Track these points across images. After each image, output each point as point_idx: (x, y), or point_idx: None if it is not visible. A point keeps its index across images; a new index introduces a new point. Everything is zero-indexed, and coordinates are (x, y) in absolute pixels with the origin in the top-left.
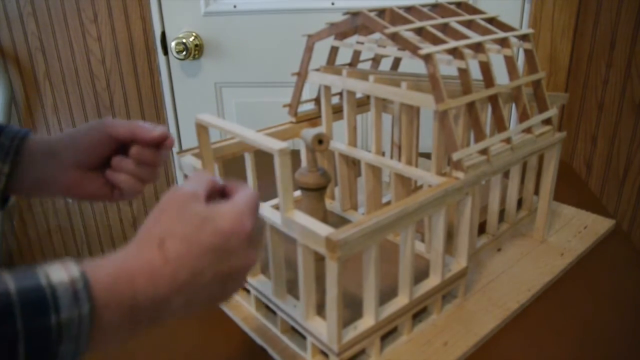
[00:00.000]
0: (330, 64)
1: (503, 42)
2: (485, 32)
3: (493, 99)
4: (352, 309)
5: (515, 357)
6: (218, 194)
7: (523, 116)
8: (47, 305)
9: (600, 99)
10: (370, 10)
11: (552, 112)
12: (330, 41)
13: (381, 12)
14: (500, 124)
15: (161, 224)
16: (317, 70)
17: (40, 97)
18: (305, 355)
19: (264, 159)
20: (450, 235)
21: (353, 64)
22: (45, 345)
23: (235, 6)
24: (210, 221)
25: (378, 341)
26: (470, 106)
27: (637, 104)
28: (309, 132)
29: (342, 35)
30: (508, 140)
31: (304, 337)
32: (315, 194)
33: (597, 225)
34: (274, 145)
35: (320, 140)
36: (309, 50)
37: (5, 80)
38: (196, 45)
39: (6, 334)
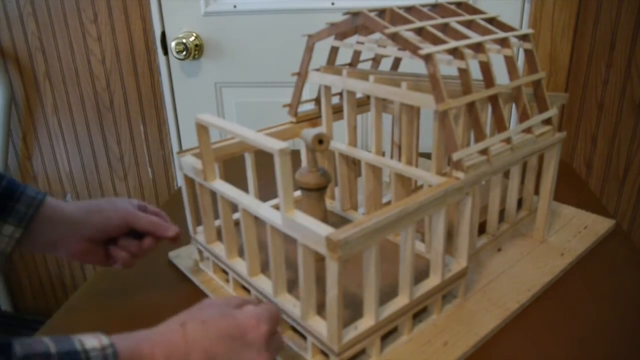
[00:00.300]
0: (331, 64)
1: (503, 42)
2: (485, 32)
3: (493, 99)
4: (352, 308)
5: (516, 357)
6: None
7: (523, 116)
8: None
9: (600, 99)
10: (371, 11)
11: (552, 112)
12: (331, 41)
13: (381, 12)
14: (500, 124)
15: (190, 313)
16: (318, 70)
17: (40, 97)
18: (305, 355)
19: (264, 159)
20: (450, 235)
21: (353, 64)
22: None
23: (235, 6)
24: (231, 315)
25: (378, 341)
26: (471, 106)
27: (637, 104)
28: (309, 132)
29: (342, 36)
30: (508, 140)
31: (304, 337)
32: (315, 194)
33: (597, 225)
34: (274, 145)
35: (320, 140)
36: (309, 50)
37: (5, 80)
38: (196, 45)
39: None
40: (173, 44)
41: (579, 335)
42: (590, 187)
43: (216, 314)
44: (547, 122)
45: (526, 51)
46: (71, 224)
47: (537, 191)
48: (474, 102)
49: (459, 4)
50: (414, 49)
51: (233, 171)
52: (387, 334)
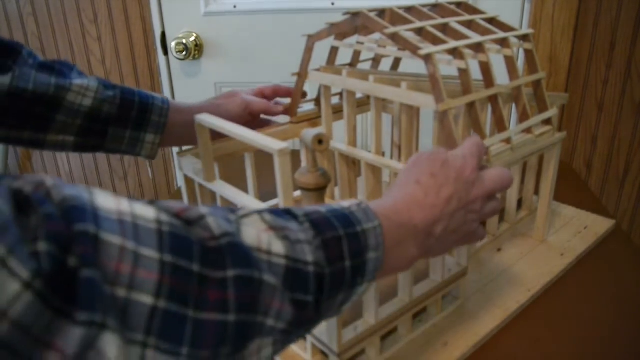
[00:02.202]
0: (331, 64)
1: (503, 42)
2: (485, 32)
3: (493, 99)
4: (352, 309)
5: (515, 357)
6: None
7: (523, 116)
8: (350, 218)
9: (600, 99)
10: (370, 11)
11: (552, 112)
12: (331, 41)
13: (381, 12)
14: (500, 124)
15: (413, 171)
16: (318, 70)
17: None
18: (305, 355)
19: (264, 159)
20: None
21: (353, 64)
22: (359, 249)
23: (235, 6)
24: (446, 162)
25: (378, 341)
26: (470, 106)
27: (637, 104)
28: (309, 132)
29: (342, 36)
30: (508, 141)
31: (304, 337)
32: (315, 194)
33: (597, 225)
34: (273, 145)
35: (320, 140)
36: (309, 50)
37: None
38: (196, 45)
39: (334, 237)
40: (173, 44)
41: (578, 335)
42: (590, 187)
43: (437, 164)
44: (547, 122)
45: (526, 51)
46: None
47: (537, 191)
48: (474, 102)
49: (459, 4)
50: (414, 49)
51: (233, 171)
52: (387, 334)
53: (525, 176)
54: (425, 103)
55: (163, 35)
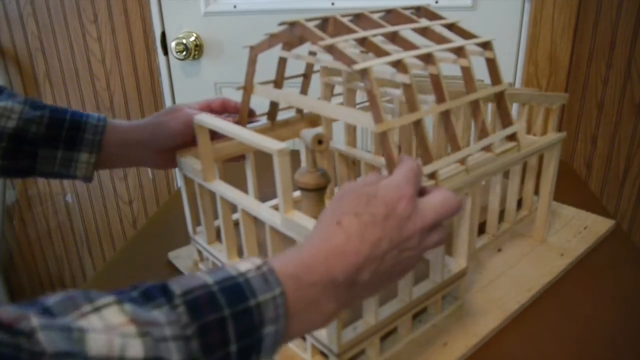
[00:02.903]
0: (279, 76)
1: (458, 52)
2: (440, 40)
3: (445, 116)
4: (351, 309)
5: (515, 357)
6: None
7: (482, 133)
8: (242, 289)
9: (600, 99)
10: (312, 19)
11: (516, 127)
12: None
13: (324, 20)
14: (453, 143)
15: (335, 209)
16: (264, 83)
17: (40, 97)
18: (304, 355)
19: (264, 159)
20: (450, 236)
21: (307, 75)
22: (250, 327)
23: (235, 6)
24: (374, 197)
25: (378, 342)
26: (417, 125)
27: (637, 104)
28: (309, 133)
29: (289, 45)
30: (463, 161)
31: (303, 338)
32: (314, 194)
33: (597, 225)
34: (272, 145)
35: (319, 140)
36: (252, 62)
37: (5, 80)
38: (196, 45)
39: (216, 319)
40: (173, 44)
41: (578, 336)
42: (590, 187)
43: (362, 201)
44: (512, 137)
45: (487, 60)
46: (141, 144)
47: (537, 191)
48: (420, 120)
49: (417, 9)
50: (350, 63)
51: (233, 171)
52: (387, 334)
53: (525, 176)
54: (365, 122)
55: (163, 35)
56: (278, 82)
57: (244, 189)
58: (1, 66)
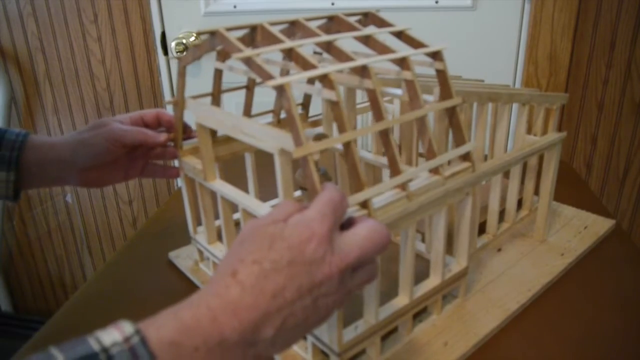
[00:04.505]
0: (216, 87)
1: (402, 63)
2: (383, 50)
3: (384, 135)
4: (352, 309)
5: (516, 357)
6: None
7: (429, 154)
8: None
9: (600, 99)
10: (239, 28)
11: (470, 146)
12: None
13: (253, 29)
14: (393, 167)
15: (234, 256)
16: (198, 97)
17: (40, 97)
18: (305, 355)
19: (265, 159)
20: (450, 235)
21: (250, 87)
22: None
23: (235, 6)
24: (279, 239)
25: (378, 341)
26: (347, 147)
27: (637, 104)
28: (310, 133)
29: (223, 56)
30: (404, 187)
31: (304, 337)
32: None
33: (597, 225)
34: (274, 144)
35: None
36: (181, 75)
37: (5, 80)
38: (196, 46)
39: None
40: (173, 44)
41: (579, 336)
42: (590, 187)
43: (264, 245)
44: (466, 157)
45: (437, 72)
46: (62, 162)
47: (536, 191)
48: (350, 142)
49: (365, 15)
50: (267, 77)
51: (233, 171)
52: (388, 334)
53: (525, 176)
54: (284, 144)
55: (163, 35)
56: (215, 96)
57: (245, 189)
58: (1, 66)
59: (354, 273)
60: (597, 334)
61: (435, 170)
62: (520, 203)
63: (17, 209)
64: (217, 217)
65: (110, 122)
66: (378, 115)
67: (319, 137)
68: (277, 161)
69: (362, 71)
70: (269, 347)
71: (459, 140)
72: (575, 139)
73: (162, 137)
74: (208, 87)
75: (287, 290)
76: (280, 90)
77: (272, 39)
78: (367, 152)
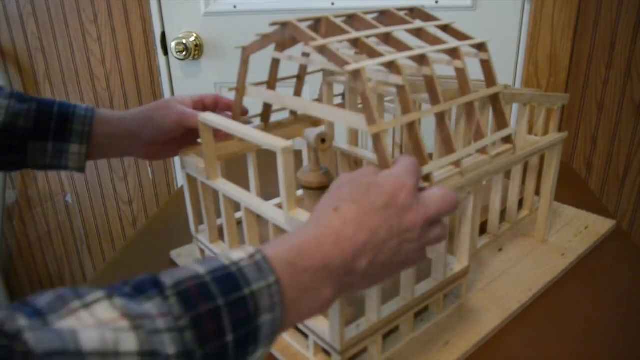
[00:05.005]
0: (272, 77)
1: (453, 53)
2: (434, 41)
3: (439, 117)
4: (354, 307)
5: (517, 356)
6: None
7: (477, 135)
8: (236, 278)
9: (600, 99)
10: (304, 20)
11: (511, 130)
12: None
13: (317, 21)
14: (447, 146)
15: (333, 197)
16: (257, 84)
17: (40, 97)
18: (307, 353)
19: (266, 159)
20: (451, 235)
21: (300, 76)
22: (246, 317)
23: (235, 6)
24: (374, 185)
25: (380, 340)
26: (411, 126)
27: (637, 104)
28: (312, 131)
29: (282, 46)
30: (457, 163)
31: (306, 336)
32: (317, 193)
33: (598, 225)
34: (277, 143)
35: (322, 139)
36: (244, 63)
37: (5, 80)
38: (196, 46)
39: (210, 309)
40: (173, 44)
41: (579, 335)
42: (590, 187)
43: (362, 189)
44: (507, 140)
45: (482, 62)
46: (130, 136)
47: (537, 191)
48: (414, 122)
49: (411, 10)
50: (342, 64)
51: (235, 170)
52: (389, 332)
53: (526, 177)
54: (357, 123)
55: (163, 35)
56: (271, 84)
57: (246, 188)
58: (1, 66)
59: (430, 228)
60: (597, 333)
61: (482, 150)
62: (521, 203)
63: (17, 209)
64: (219, 215)
65: (176, 104)
66: (435, 98)
67: (321, 136)
68: (280, 159)
69: (421, 59)
70: (360, 279)
71: (501, 125)
72: (575, 139)
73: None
74: (208, 87)
75: (381, 229)
76: (356, 74)
77: (337, 30)
78: (369, 151)
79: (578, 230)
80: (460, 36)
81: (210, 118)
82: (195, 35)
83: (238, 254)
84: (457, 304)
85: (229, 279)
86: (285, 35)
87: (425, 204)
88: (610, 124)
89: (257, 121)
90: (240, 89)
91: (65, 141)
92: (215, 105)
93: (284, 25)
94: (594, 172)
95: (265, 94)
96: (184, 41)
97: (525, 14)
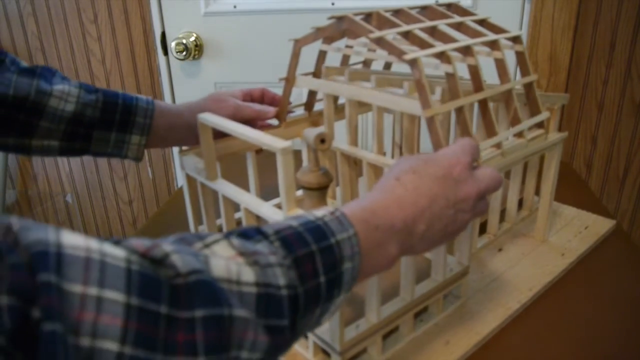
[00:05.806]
0: (319, 67)
1: (493, 45)
2: (474, 34)
3: (482, 104)
4: (354, 307)
5: (517, 356)
6: None
7: (514, 120)
8: (323, 230)
9: (600, 99)
10: (357, 14)
11: (545, 115)
12: (319, 45)
13: (368, 15)
14: (490, 129)
15: (394, 170)
16: (306, 74)
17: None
18: (306, 354)
19: (265, 159)
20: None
21: (367, 62)
22: (333, 262)
23: (235, 6)
24: (432, 160)
25: (380, 340)
26: (459, 111)
27: (637, 104)
28: (311, 132)
29: (329, 40)
30: (499, 146)
31: (305, 336)
32: (317, 193)
33: (598, 225)
34: (276, 144)
35: (322, 139)
36: (295, 55)
37: None
38: (196, 46)
39: (306, 253)
40: (173, 44)
41: (579, 335)
42: (591, 187)
43: (420, 163)
44: (540, 125)
45: (517, 53)
46: (189, 127)
47: (537, 191)
48: (463, 107)
49: (449, 6)
50: (399, 54)
51: (235, 170)
52: (389, 333)
53: (526, 176)
54: (412, 108)
55: (163, 35)
56: (317, 74)
57: (246, 188)
58: None
59: (480, 201)
60: (597, 334)
61: (519, 134)
62: (521, 203)
63: (17, 209)
64: (218, 216)
65: (229, 97)
66: (478, 86)
67: (321, 136)
68: (280, 160)
69: (466, 50)
70: (419, 241)
71: (535, 111)
72: (575, 139)
73: (271, 113)
74: (208, 87)
75: (439, 197)
76: (413, 62)
77: (388, 24)
78: (369, 151)
79: (578, 230)
80: (497, 29)
81: (209, 118)
82: (195, 35)
83: (321, 212)
84: (457, 304)
85: (318, 230)
86: (340, 28)
87: (478, 179)
88: (610, 124)
89: (300, 110)
90: (290, 79)
91: (127, 132)
92: (262, 98)
93: (340, 19)
94: (594, 172)
95: (315, 83)
96: (184, 41)
97: (525, 14)
